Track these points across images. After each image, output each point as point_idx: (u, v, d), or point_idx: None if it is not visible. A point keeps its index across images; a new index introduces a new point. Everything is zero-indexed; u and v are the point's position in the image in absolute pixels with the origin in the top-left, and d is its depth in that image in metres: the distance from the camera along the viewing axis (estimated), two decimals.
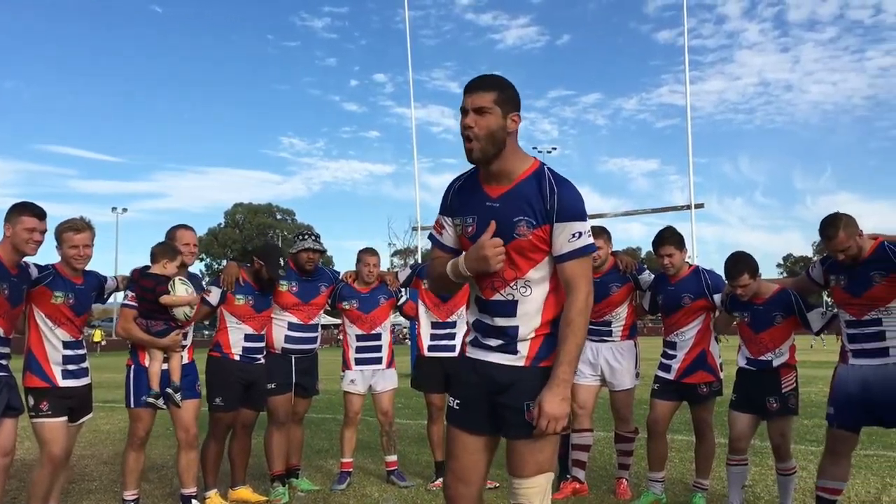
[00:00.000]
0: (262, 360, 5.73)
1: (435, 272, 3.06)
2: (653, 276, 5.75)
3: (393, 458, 6.42)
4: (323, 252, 6.17)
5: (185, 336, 5.25)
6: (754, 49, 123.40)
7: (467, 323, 3.09)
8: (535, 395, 2.74)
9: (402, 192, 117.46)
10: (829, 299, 4.90)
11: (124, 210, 68.87)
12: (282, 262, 5.71)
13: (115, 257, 65.31)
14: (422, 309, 6.38)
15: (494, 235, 2.81)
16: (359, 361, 6.31)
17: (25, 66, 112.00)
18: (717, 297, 5.33)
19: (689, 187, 16.31)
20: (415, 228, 22.53)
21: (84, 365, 4.80)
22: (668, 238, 5.44)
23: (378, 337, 6.35)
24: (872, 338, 4.40)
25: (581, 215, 2.83)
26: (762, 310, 4.99)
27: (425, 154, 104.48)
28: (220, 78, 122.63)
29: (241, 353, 5.57)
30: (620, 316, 5.83)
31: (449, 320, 6.25)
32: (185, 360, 5.25)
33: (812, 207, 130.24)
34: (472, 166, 2.95)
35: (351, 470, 6.34)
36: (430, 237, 3.16)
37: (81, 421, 4.89)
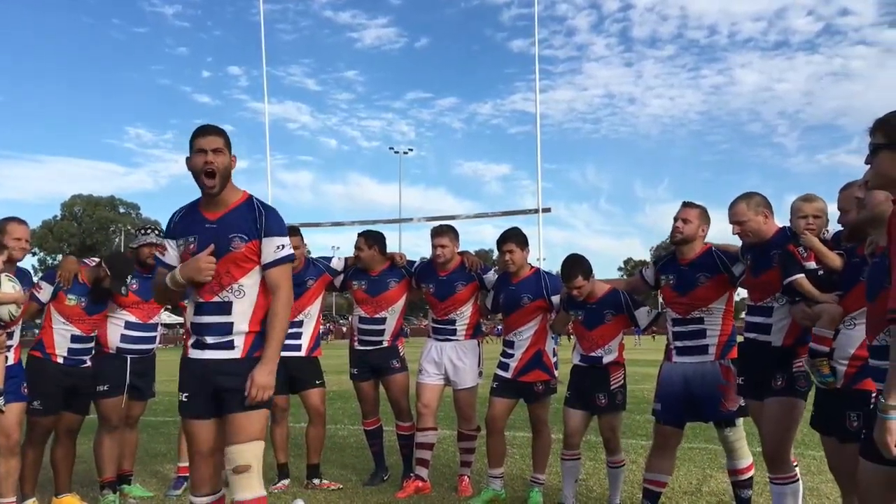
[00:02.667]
0: (89, 363, 5.40)
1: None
2: (496, 276, 5.89)
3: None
4: (165, 247, 5.88)
5: (10, 336, 4.86)
6: (601, 62, 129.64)
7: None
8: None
9: (255, 188, 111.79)
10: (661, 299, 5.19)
11: None
12: (129, 280, 5.47)
13: None
14: None
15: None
16: None
17: None
18: (555, 299, 5.52)
19: (537, 192, 16.82)
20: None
21: None
22: (512, 236, 5.61)
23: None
24: (694, 336, 4.71)
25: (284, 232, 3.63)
26: (595, 308, 5.24)
27: (280, 150, 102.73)
28: (60, 61, 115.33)
29: (65, 355, 5.24)
30: (465, 315, 5.93)
31: (295, 319, 6.13)
32: (11, 361, 4.85)
33: (650, 215, 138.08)
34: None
35: (188, 475, 6.09)
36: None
37: None
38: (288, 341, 6.02)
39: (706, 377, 4.67)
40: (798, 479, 4.32)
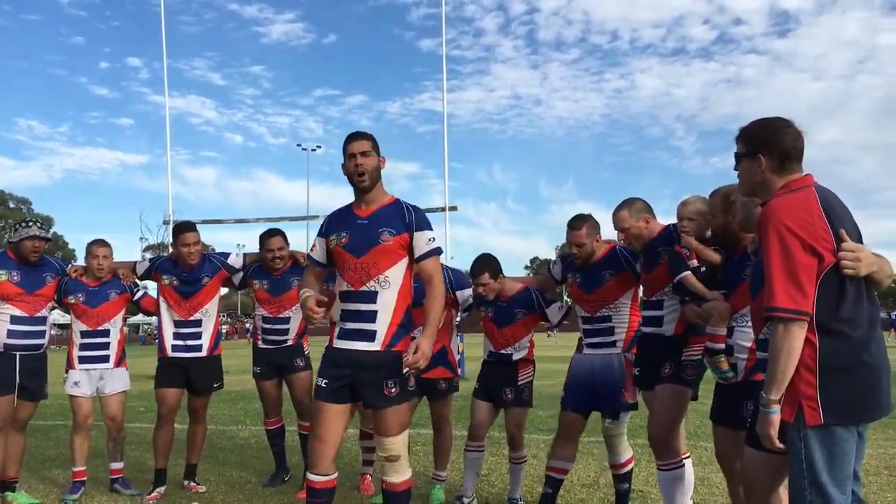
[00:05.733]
0: None
1: None
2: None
3: (119, 465, 6.03)
4: (48, 240, 5.67)
5: None
6: (508, 63, 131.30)
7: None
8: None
9: (157, 184, 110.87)
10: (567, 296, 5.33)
11: None
12: (9, 272, 5.32)
13: None
14: (163, 306, 6.01)
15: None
16: (83, 360, 5.85)
17: None
18: (460, 294, 5.55)
19: (444, 190, 16.95)
20: (167, 222, 21.37)
21: None
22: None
23: (106, 333, 5.90)
24: (603, 333, 4.88)
25: None
26: (505, 307, 5.31)
27: (182, 145, 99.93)
28: None
29: None
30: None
31: (192, 318, 5.98)
32: None
33: (556, 214, 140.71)
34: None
35: (84, 479, 5.88)
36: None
37: None
38: (188, 342, 5.94)
39: (610, 368, 4.86)
40: (683, 465, 4.47)
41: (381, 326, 3.76)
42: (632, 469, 5.21)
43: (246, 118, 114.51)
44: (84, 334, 5.86)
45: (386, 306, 3.78)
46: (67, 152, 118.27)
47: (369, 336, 3.76)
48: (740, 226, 3.71)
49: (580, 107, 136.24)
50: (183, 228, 5.99)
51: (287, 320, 6.09)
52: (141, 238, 50.45)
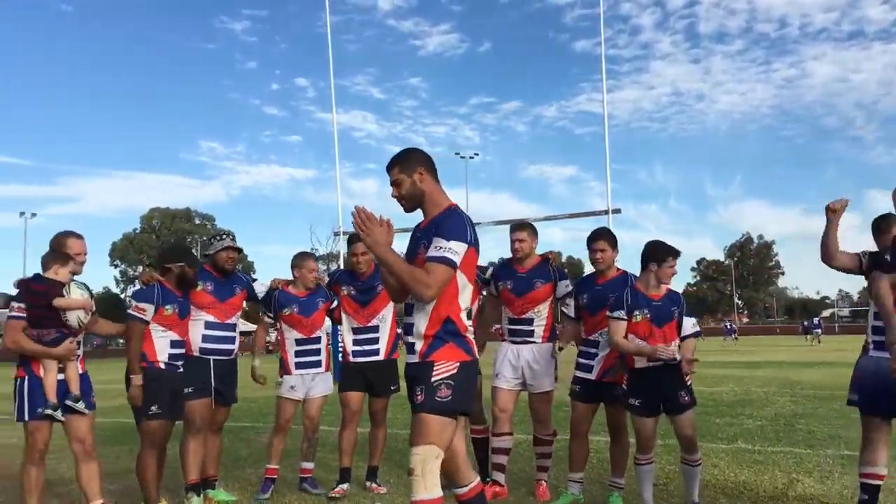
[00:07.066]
0: (182, 369, 5.53)
1: None
2: (570, 286, 5.87)
3: (310, 465, 6.34)
4: (241, 251, 6.11)
5: (79, 345, 5.02)
6: (667, 60, 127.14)
7: None
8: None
9: (324, 197, 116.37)
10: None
11: (33, 215, 66.31)
12: (204, 282, 5.73)
13: (24, 263, 62.38)
14: (344, 315, 6.33)
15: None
16: (299, 366, 6.24)
17: None
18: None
19: (606, 193, 16.63)
20: (336, 233, 22.25)
21: None
22: (603, 234, 5.67)
23: (318, 340, 6.34)
24: None
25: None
26: (660, 306, 5.16)
27: (347, 158, 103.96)
28: (136, 80, 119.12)
29: (166, 360, 5.36)
30: (542, 314, 5.90)
31: (370, 325, 6.23)
32: (79, 371, 5.00)
33: (723, 214, 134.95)
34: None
35: (275, 477, 6.23)
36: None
37: None
38: (366, 347, 6.19)
39: None
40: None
41: (419, 339, 3.59)
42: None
43: (405, 129, 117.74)
44: (299, 342, 6.28)
45: (422, 319, 3.58)
46: (244, 170, 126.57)
47: (412, 348, 3.63)
48: None
49: (746, 99, 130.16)
50: (354, 239, 6.29)
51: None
52: (312, 249, 52.84)
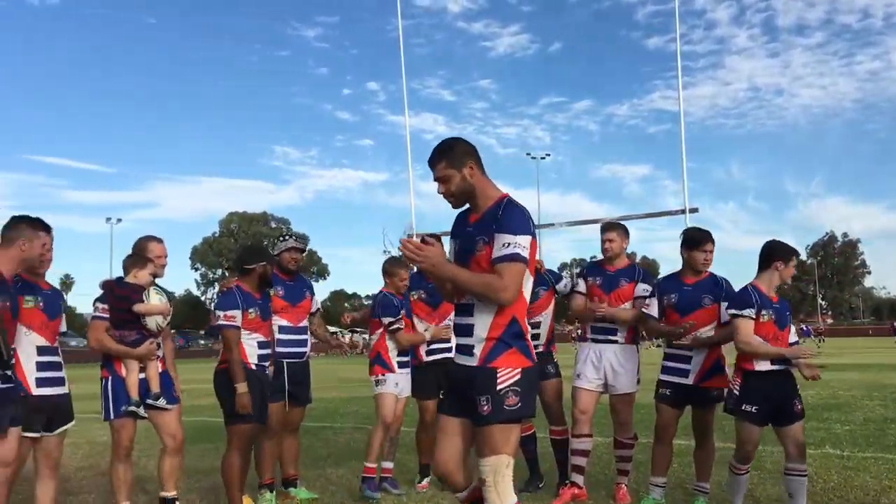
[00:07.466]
0: (268, 371, 5.64)
1: None
2: (648, 288, 5.78)
3: (390, 464, 6.41)
4: (304, 251, 6.24)
5: (158, 346, 5.24)
6: (744, 54, 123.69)
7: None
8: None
9: (396, 199, 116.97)
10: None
11: (118, 220, 69.00)
12: (274, 287, 5.84)
13: (110, 266, 64.89)
14: (415, 319, 6.45)
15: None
16: (402, 365, 6.34)
17: (17, 77, 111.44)
18: (724, 307, 5.34)
19: (682, 191, 16.23)
20: (410, 235, 22.45)
21: (61, 373, 4.68)
22: (710, 235, 5.54)
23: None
24: None
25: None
26: (779, 308, 5.02)
27: (418, 161, 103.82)
28: (212, 88, 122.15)
29: (255, 362, 5.45)
30: None
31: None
32: (159, 369, 5.22)
33: (803, 211, 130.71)
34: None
35: (377, 476, 6.26)
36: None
37: (60, 430, 4.70)
38: (440, 344, 6.32)
39: None
40: None
41: (478, 342, 3.41)
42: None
43: (475, 131, 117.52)
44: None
45: (483, 320, 3.41)
46: (317, 174, 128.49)
47: (469, 351, 3.45)
48: None
49: (828, 93, 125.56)
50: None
51: (538, 325, 6.20)
52: (384, 251, 53.31)
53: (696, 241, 5.48)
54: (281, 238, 6.27)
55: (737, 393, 4.99)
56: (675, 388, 5.45)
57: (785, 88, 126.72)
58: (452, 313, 6.17)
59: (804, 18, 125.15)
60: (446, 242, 3.81)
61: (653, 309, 5.60)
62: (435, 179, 3.56)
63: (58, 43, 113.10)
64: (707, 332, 5.39)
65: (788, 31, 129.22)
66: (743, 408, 4.94)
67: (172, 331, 5.88)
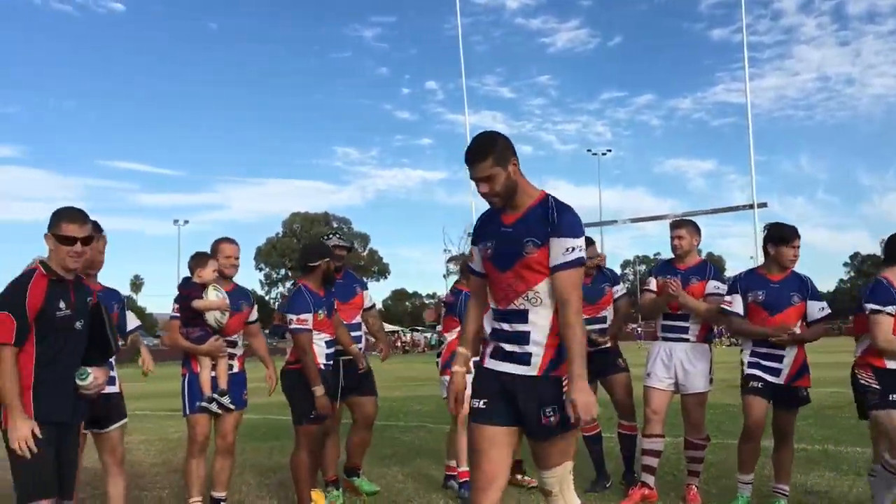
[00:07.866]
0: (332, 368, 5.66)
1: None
2: (720, 286, 5.65)
3: (454, 462, 6.37)
4: (349, 248, 6.29)
5: (234, 345, 5.36)
6: (812, 44, 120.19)
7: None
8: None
9: (455, 198, 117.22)
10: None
11: (186, 222, 70.89)
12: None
13: (177, 268, 66.64)
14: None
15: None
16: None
17: (87, 85, 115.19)
18: (812, 305, 5.23)
19: (750, 186, 15.97)
20: (469, 234, 22.49)
21: (112, 373, 4.66)
22: (798, 231, 5.39)
23: None
24: None
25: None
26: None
27: None
28: (274, 91, 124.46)
29: (324, 361, 5.48)
30: None
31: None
32: (235, 370, 5.33)
33: (878, 205, 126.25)
34: None
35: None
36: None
37: (114, 427, 4.68)
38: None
39: None
40: None
41: (536, 348, 3.23)
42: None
43: (535, 128, 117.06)
44: None
45: (539, 326, 3.24)
46: (378, 174, 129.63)
47: (523, 359, 3.26)
48: None
49: None
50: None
51: (604, 319, 6.22)
52: (444, 250, 53.48)
53: (785, 237, 5.30)
54: (325, 237, 6.33)
55: (878, 388, 4.68)
56: (768, 385, 5.24)
57: (856, 78, 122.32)
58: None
59: (875, 5, 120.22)
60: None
61: (736, 306, 5.37)
62: (474, 179, 3.29)
63: (125, 50, 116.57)
64: (797, 329, 5.23)
65: (859, 18, 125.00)
66: (891, 398, 4.63)
67: (266, 330, 5.98)
